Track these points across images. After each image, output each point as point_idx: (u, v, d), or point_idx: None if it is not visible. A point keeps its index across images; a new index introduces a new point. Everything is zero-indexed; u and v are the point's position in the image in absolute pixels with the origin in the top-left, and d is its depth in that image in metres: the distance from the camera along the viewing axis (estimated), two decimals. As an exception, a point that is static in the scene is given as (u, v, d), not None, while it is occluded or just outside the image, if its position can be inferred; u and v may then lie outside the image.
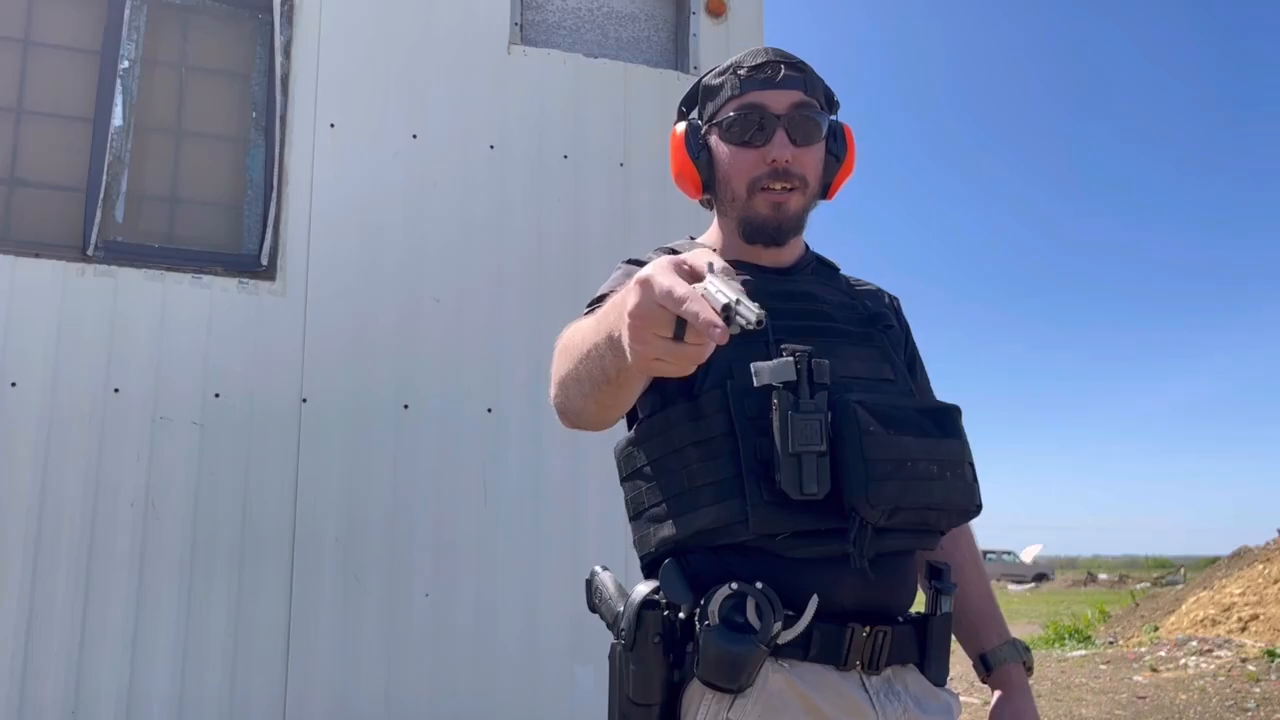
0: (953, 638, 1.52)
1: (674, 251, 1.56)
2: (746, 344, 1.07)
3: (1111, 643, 11.56)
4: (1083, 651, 10.81)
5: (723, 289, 0.92)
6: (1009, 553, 41.21)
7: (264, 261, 3.49)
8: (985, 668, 1.61)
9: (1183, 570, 29.41)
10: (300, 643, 3.30)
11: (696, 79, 1.62)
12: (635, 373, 1.14)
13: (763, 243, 1.52)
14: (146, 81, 3.55)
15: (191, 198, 3.58)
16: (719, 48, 4.02)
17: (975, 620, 1.63)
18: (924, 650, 1.45)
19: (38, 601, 3.11)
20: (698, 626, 1.30)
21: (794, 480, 1.29)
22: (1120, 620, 13.63)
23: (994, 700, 1.59)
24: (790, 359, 1.30)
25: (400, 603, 3.42)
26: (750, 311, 0.89)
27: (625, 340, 1.00)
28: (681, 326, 0.94)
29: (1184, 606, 11.80)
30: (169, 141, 3.58)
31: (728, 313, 0.89)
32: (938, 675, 1.47)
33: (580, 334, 1.24)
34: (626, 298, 0.99)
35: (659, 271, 0.96)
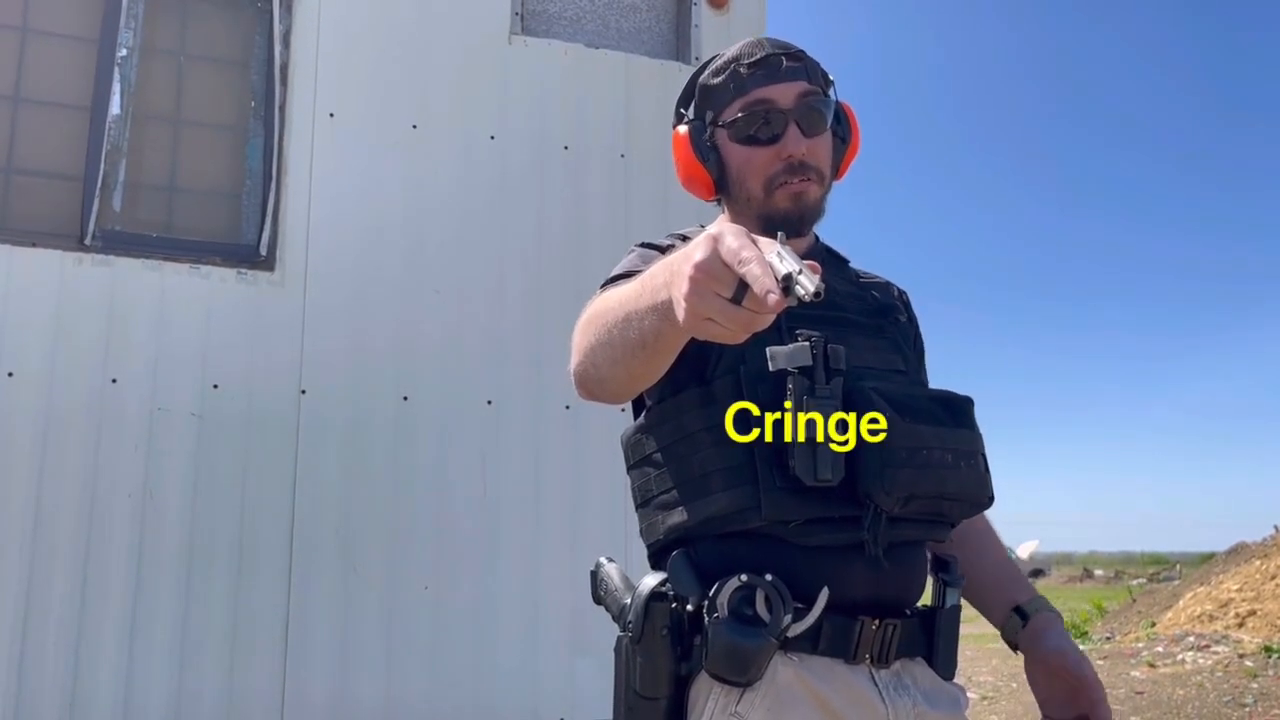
0: (958, 633, 1.50)
1: (685, 238, 1.54)
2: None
3: (1109, 638, 11.58)
4: (1080, 647, 10.81)
5: (787, 259, 0.93)
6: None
7: (263, 252, 3.47)
8: (1022, 618, 1.54)
9: (1178, 566, 29.47)
10: (299, 634, 3.29)
11: (691, 76, 1.58)
12: (676, 337, 1.13)
13: (787, 236, 1.49)
14: (145, 70, 3.53)
15: (190, 187, 3.56)
16: (721, 39, 4.00)
17: (1003, 579, 1.59)
18: (932, 643, 1.43)
19: (34, 594, 3.09)
20: (706, 619, 1.28)
21: (808, 466, 1.27)
22: (1117, 616, 13.66)
23: (1041, 637, 1.53)
24: (806, 344, 1.29)
25: (400, 595, 3.40)
26: (810, 283, 0.89)
27: (681, 294, 0.98)
28: (741, 290, 0.94)
29: (1181, 602, 11.82)
30: (167, 131, 3.55)
31: (787, 282, 0.90)
32: (946, 668, 1.45)
33: (616, 299, 1.22)
34: (691, 251, 0.98)
35: (729, 231, 0.96)
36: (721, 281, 0.95)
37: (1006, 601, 1.58)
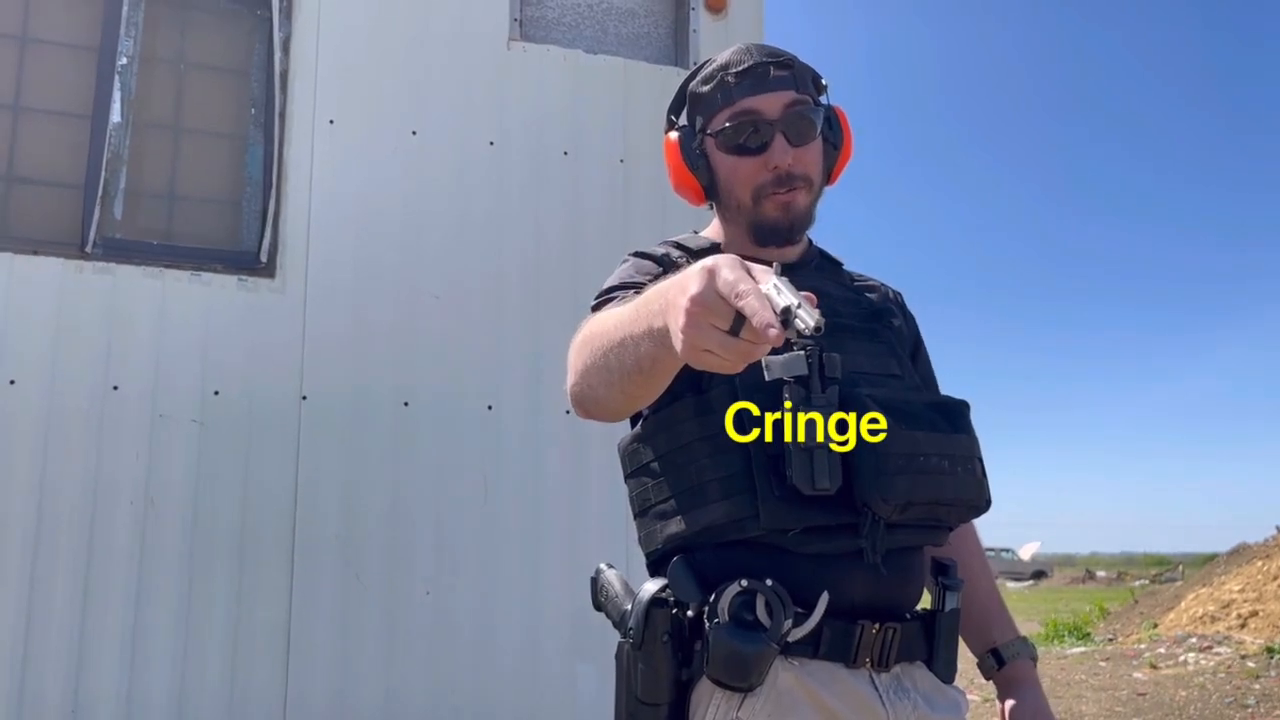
0: (959, 636, 1.51)
1: (680, 245, 1.54)
2: None
3: (1111, 640, 11.57)
4: (1082, 649, 10.81)
5: (785, 291, 0.92)
6: (1007, 550, 41.33)
7: (263, 258, 3.47)
8: (998, 662, 1.59)
9: (1180, 567, 29.45)
10: (300, 640, 3.29)
11: (682, 83, 1.58)
12: (673, 363, 1.13)
13: (776, 244, 1.50)
14: (145, 78, 3.53)
15: (190, 195, 3.56)
16: (719, 44, 4.00)
17: (984, 616, 1.62)
18: (932, 647, 1.44)
19: (36, 601, 3.09)
20: (707, 625, 1.28)
21: (806, 475, 1.27)
22: (1119, 617, 13.66)
23: (1013, 695, 1.57)
24: (801, 353, 1.29)
25: (400, 600, 3.40)
26: (810, 317, 0.89)
27: (678, 326, 0.98)
28: (738, 322, 0.94)
29: (1183, 603, 11.82)
30: (168, 138, 3.56)
31: (786, 315, 0.90)
32: (946, 672, 1.46)
33: (612, 322, 1.22)
34: (686, 283, 0.97)
35: (725, 264, 0.96)
36: (718, 314, 0.95)
37: (983, 642, 1.62)
